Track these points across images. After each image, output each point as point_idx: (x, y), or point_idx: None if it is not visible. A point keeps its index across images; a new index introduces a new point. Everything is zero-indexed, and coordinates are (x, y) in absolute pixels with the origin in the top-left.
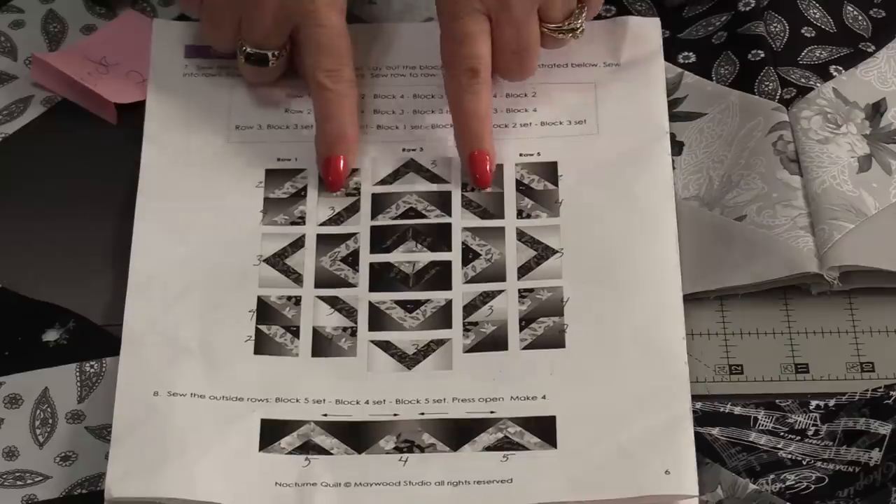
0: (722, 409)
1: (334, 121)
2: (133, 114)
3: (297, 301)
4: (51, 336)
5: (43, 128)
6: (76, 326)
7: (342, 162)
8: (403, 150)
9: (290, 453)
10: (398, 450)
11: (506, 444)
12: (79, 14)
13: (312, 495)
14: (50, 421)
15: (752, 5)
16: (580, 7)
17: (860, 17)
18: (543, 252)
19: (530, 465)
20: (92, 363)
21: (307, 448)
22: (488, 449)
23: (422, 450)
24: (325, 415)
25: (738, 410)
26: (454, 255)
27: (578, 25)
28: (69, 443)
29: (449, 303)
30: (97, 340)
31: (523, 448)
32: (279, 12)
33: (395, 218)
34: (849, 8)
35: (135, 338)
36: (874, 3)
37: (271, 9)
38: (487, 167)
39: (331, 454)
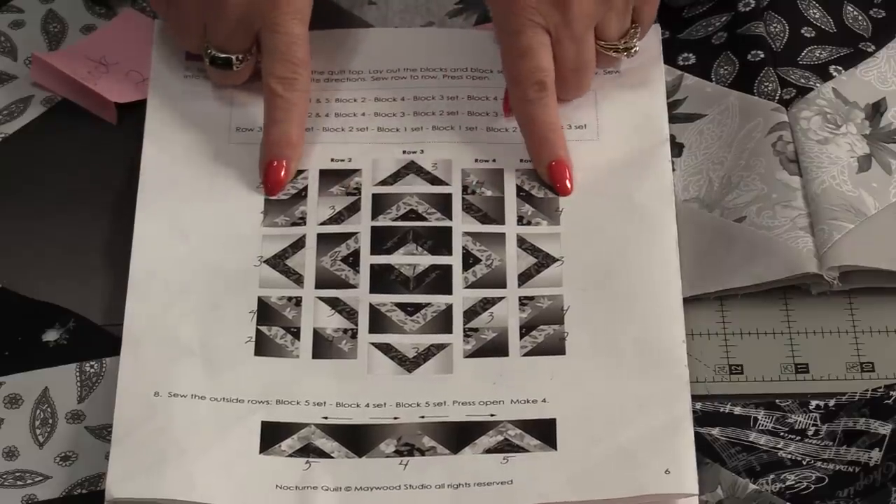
0: (722, 409)
1: (280, 125)
2: (133, 114)
3: (298, 302)
4: (51, 336)
5: (43, 128)
6: (76, 326)
7: (284, 166)
8: (404, 152)
9: (290, 456)
10: (398, 453)
11: (506, 447)
12: (79, 14)
13: (313, 498)
14: (50, 421)
15: (752, 5)
16: (634, 27)
17: (860, 17)
18: (544, 260)
19: (530, 467)
20: (92, 363)
21: (308, 451)
22: (488, 451)
23: (422, 453)
24: (326, 417)
25: (738, 410)
26: (455, 260)
27: (633, 45)
28: (69, 443)
29: (449, 307)
30: (97, 340)
31: (523, 450)
32: (243, 17)
33: (396, 219)
34: (849, 8)
35: (135, 338)
36: (874, 3)
37: (235, 13)
38: (568, 175)
39: (331, 457)
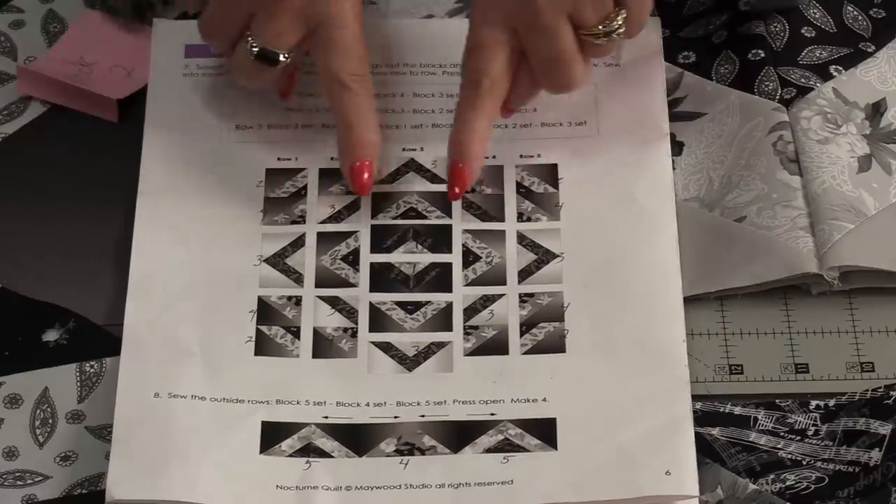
0: (722, 409)
1: (361, 125)
2: (131, 110)
3: (298, 301)
4: (51, 336)
5: (43, 128)
6: (76, 326)
7: (368, 166)
8: (404, 149)
9: (290, 456)
10: (399, 452)
11: (506, 446)
12: (79, 14)
13: (313, 498)
14: (50, 421)
15: (752, 4)
16: (617, 9)
17: (860, 17)
18: (544, 256)
19: (531, 467)
20: (92, 363)
21: (308, 451)
22: (489, 451)
23: (422, 452)
24: (326, 417)
25: (738, 410)
26: (454, 258)
27: (615, 27)
28: (69, 443)
29: (449, 305)
30: (97, 340)
31: (524, 450)
32: (298, 12)
33: (396, 218)
34: (849, 8)
35: (135, 338)
36: (874, 3)
37: (290, 7)
38: (465, 180)
39: (331, 457)
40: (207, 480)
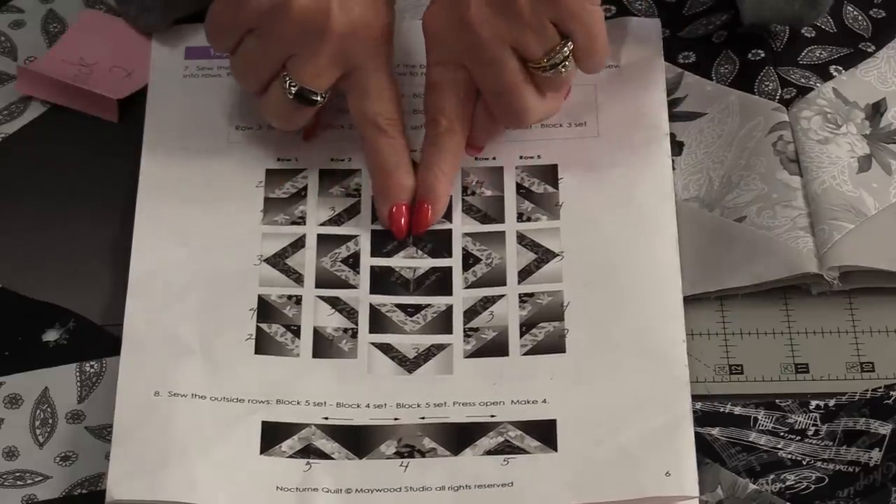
0: (722, 409)
1: (398, 169)
2: (132, 110)
3: (298, 300)
4: (51, 336)
5: (43, 127)
6: (76, 326)
7: (405, 211)
8: None
9: (290, 457)
10: (399, 455)
11: (506, 448)
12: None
13: (314, 500)
14: (50, 421)
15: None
16: (564, 41)
17: (860, 17)
18: (544, 255)
19: (531, 469)
20: (92, 363)
21: (308, 452)
22: (489, 453)
23: (422, 454)
24: (326, 418)
25: (738, 410)
26: (455, 262)
27: (560, 59)
28: (69, 443)
29: (449, 308)
30: (97, 340)
31: (524, 451)
32: (338, 51)
33: None
34: (849, 8)
35: (135, 337)
36: (874, 3)
37: (334, 47)
38: (428, 220)
39: (332, 458)
40: (207, 481)
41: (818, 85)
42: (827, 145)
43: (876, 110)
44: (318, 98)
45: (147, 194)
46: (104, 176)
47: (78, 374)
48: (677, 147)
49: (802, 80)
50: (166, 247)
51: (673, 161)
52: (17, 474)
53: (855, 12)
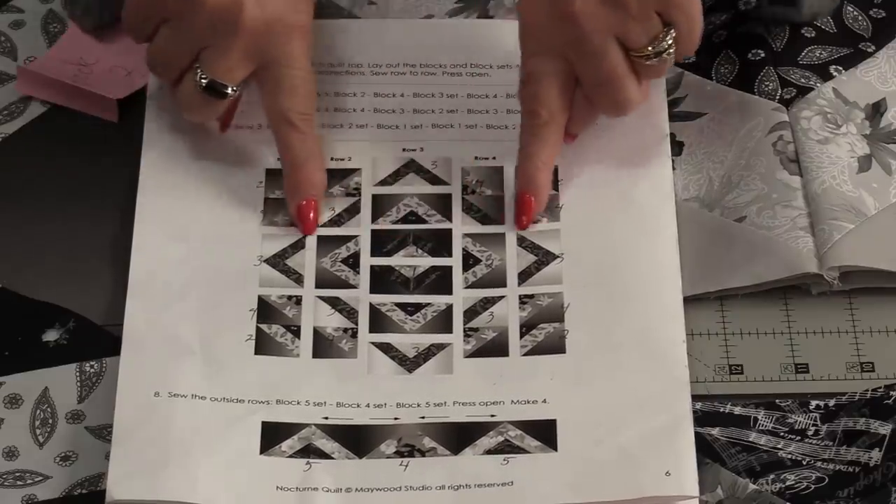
0: (722, 409)
1: (309, 164)
2: (132, 110)
3: (298, 301)
4: (51, 336)
5: (43, 127)
6: (76, 326)
7: (314, 206)
8: (404, 150)
9: (290, 456)
10: (399, 454)
11: (506, 448)
12: None
13: (314, 500)
14: (50, 421)
15: (753, 4)
16: (666, 29)
17: (860, 17)
18: (544, 257)
19: (531, 468)
20: (92, 363)
21: (308, 451)
22: (489, 452)
23: (422, 454)
24: (326, 418)
25: (738, 410)
26: (455, 261)
27: (664, 47)
28: (69, 443)
29: (449, 307)
30: (97, 340)
31: (524, 451)
32: (250, 45)
33: (396, 222)
34: (849, 8)
35: (135, 338)
36: (874, 3)
37: (246, 42)
38: (531, 211)
39: (332, 458)
40: (207, 481)
41: (818, 85)
42: (827, 145)
43: (876, 110)
44: (230, 91)
45: (147, 195)
46: (104, 176)
47: (78, 374)
48: (677, 147)
49: (802, 80)
50: (166, 247)
51: (673, 161)
52: (17, 474)
53: (855, 12)
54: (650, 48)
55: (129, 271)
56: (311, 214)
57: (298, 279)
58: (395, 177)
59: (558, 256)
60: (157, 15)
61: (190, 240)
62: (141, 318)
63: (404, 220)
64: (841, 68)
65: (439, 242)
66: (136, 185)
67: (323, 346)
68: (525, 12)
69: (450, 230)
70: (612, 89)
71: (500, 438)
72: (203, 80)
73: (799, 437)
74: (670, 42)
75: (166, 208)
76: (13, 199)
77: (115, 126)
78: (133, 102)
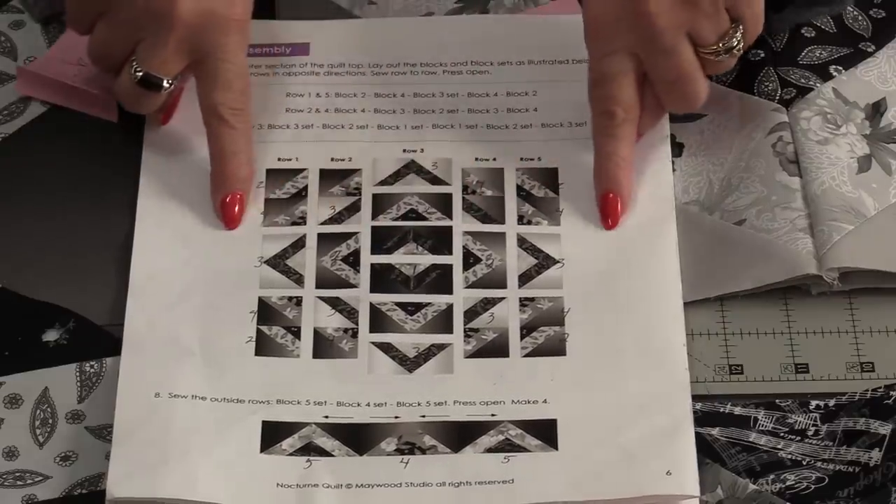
0: (722, 410)
1: (235, 158)
2: (127, 112)
3: (299, 302)
4: (51, 336)
5: (43, 127)
6: (76, 326)
7: (239, 200)
8: (404, 150)
9: (291, 455)
10: (399, 451)
11: (507, 446)
12: None
13: (313, 496)
14: (50, 421)
15: None
16: (734, 25)
17: (860, 17)
18: (544, 261)
19: (531, 467)
20: (92, 363)
21: (308, 450)
22: (489, 451)
23: (423, 451)
24: (327, 416)
25: (738, 410)
26: (455, 259)
27: (735, 44)
28: (69, 443)
29: (450, 307)
30: (97, 340)
31: (524, 450)
32: (185, 40)
33: (396, 219)
34: (849, 8)
35: (136, 339)
36: (874, 3)
37: (180, 35)
38: (618, 210)
39: (332, 456)
40: (207, 479)
41: (818, 85)
42: (827, 146)
43: (876, 110)
44: (165, 84)
45: (148, 196)
46: (104, 176)
47: (78, 374)
48: (677, 148)
49: (802, 81)
50: (167, 249)
51: (673, 162)
52: (17, 474)
53: (855, 12)
54: (721, 44)
55: (129, 271)
56: (236, 208)
57: (299, 279)
58: (395, 177)
59: (559, 262)
60: (95, 8)
61: (191, 241)
62: (141, 320)
63: (405, 217)
64: (841, 68)
65: (439, 240)
66: (137, 186)
67: (323, 347)
68: (592, 12)
69: (450, 227)
70: (683, 86)
71: (501, 437)
72: (138, 73)
73: (799, 438)
74: (739, 38)
75: (167, 210)
76: (13, 198)
77: (114, 126)
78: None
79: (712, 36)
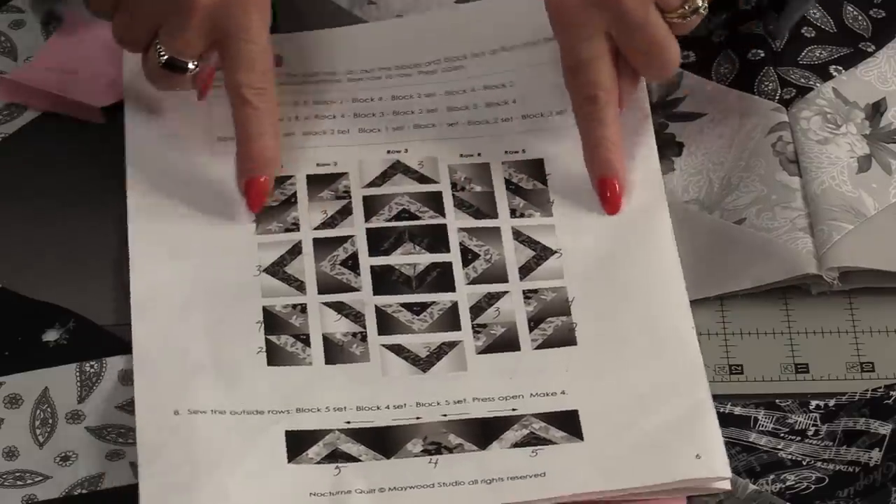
0: (722, 410)
1: (260, 139)
2: (118, 116)
3: (303, 309)
4: (51, 336)
5: (43, 127)
6: (76, 326)
7: (266, 182)
8: (388, 151)
9: (318, 463)
10: (426, 452)
11: (532, 440)
12: (79, 13)
13: (348, 502)
14: (50, 421)
15: (753, 4)
16: None
17: (860, 17)
18: (542, 252)
19: (561, 459)
20: (92, 363)
21: (335, 456)
22: (516, 445)
23: (450, 450)
24: (348, 422)
25: (738, 410)
26: (453, 256)
27: (700, 3)
28: (69, 443)
29: (455, 304)
30: (97, 340)
31: (551, 442)
32: (206, 22)
33: (390, 220)
34: (849, 8)
35: (146, 359)
36: (874, 3)
37: (201, 17)
38: (617, 191)
39: (360, 461)
40: (240, 493)
41: (818, 85)
42: (826, 145)
43: (876, 110)
44: (190, 66)
45: (136, 214)
46: (104, 175)
47: (78, 374)
48: (677, 148)
49: (802, 80)
50: (164, 265)
51: (672, 162)
52: (17, 474)
53: (855, 12)
54: (686, 6)
55: (129, 271)
56: (260, 191)
57: (300, 286)
58: (382, 178)
59: (556, 252)
60: None
61: (186, 256)
62: (149, 340)
63: (398, 217)
64: (841, 68)
65: (435, 238)
66: None
67: (334, 352)
68: (559, 5)
69: (444, 225)
70: (658, 54)
71: (526, 431)
72: (163, 57)
73: (799, 438)
74: None
75: (158, 227)
76: (13, 198)
77: (114, 125)
78: (119, 108)
79: (676, 2)
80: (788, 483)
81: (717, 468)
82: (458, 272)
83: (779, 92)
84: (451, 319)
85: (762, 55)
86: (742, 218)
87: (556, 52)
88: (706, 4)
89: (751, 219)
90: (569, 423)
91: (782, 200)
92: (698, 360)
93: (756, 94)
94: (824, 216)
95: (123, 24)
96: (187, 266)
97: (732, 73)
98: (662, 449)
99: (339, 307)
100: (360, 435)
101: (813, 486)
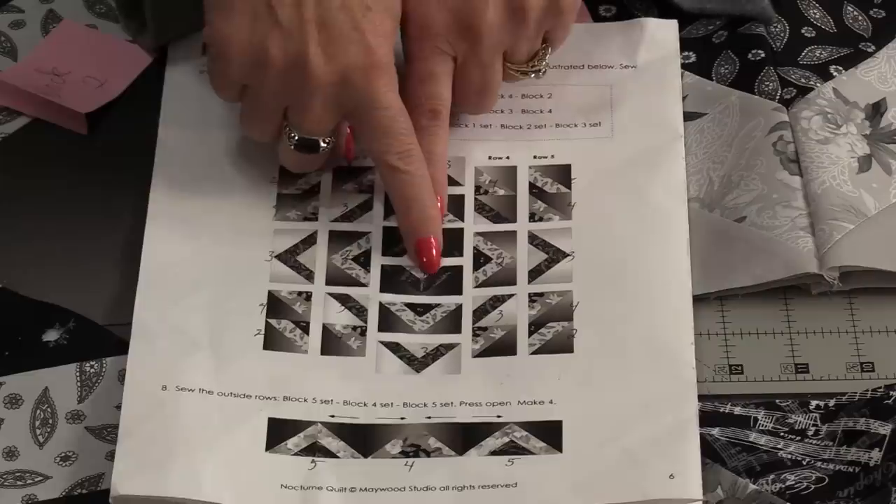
0: (722, 409)
1: (417, 202)
2: (102, 121)
3: (308, 297)
4: (51, 336)
5: (43, 127)
6: (76, 326)
7: (434, 242)
8: None
9: (296, 454)
10: (404, 454)
11: (511, 449)
12: (79, 14)
13: (318, 499)
14: (50, 421)
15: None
16: (544, 48)
17: (860, 17)
18: (555, 255)
19: (535, 470)
20: (92, 363)
21: (313, 450)
22: (494, 453)
23: (427, 454)
24: (333, 416)
25: (738, 410)
26: (465, 260)
27: (542, 67)
28: (69, 443)
29: (459, 307)
30: (97, 340)
31: (529, 452)
32: (333, 96)
33: None
34: (849, 8)
35: (145, 331)
36: (874, 3)
37: (325, 93)
38: (442, 212)
39: (337, 457)
40: (212, 478)
41: (818, 85)
42: (827, 145)
43: (876, 110)
44: (322, 143)
45: (160, 188)
46: (105, 176)
47: (78, 374)
48: None
49: (802, 80)
50: (178, 241)
51: None
52: (17, 474)
53: (855, 12)
54: (528, 64)
55: (130, 271)
56: (433, 252)
57: (309, 275)
58: None
59: (569, 254)
60: (235, 79)
61: (202, 235)
62: (150, 311)
63: None
64: (841, 68)
65: (451, 241)
66: (139, 185)
67: (331, 343)
68: (419, 14)
69: (461, 229)
70: (486, 96)
71: (506, 439)
72: (294, 138)
73: (799, 437)
74: (547, 60)
75: (179, 202)
76: (13, 198)
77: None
78: (102, 110)
79: (524, 56)
80: (788, 483)
81: (689, 490)
82: (468, 276)
83: (779, 92)
84: (453, 322)
85: (762, 55)
86: (742, 216)
87: (597, 78)
88: (545, 70)
89: (751, 217)
90: (551, 434)
91: (783, 199)
92: (692, 377)
93: (756, 94)
94: (825, 216)
95: (250, 113)
96: (201, 244)
97: (733, 74)
98: (637, 466)
99: (344, 299)
100: (341, 430)
101: (813, 486)
